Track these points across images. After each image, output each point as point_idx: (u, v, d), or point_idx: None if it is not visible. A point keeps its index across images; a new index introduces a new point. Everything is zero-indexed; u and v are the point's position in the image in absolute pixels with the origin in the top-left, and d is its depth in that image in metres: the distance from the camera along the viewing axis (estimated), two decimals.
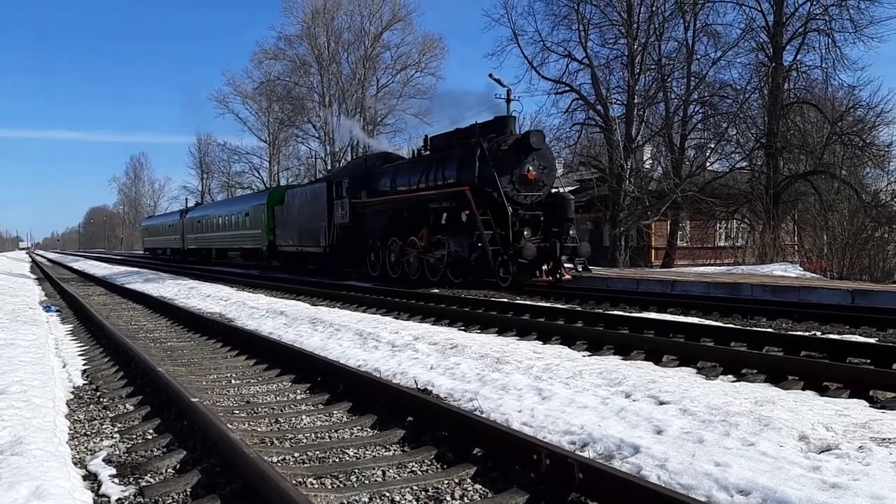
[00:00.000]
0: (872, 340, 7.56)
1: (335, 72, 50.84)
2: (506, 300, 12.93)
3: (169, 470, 3.91)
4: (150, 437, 4.58)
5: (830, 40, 25.52)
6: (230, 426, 4.41)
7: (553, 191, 16.49)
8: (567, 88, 30.42)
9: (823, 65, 25.94)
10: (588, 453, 3.86)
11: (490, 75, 27.51)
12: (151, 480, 3.75)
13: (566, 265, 15.97)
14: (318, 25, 50.34)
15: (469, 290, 15.43)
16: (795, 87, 27.12)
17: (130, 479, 3.75)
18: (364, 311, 12.00)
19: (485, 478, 3.67)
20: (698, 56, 28.37)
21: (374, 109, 50.73)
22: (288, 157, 59.22)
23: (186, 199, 62.09)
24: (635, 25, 28.00)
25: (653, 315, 10.06)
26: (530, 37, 31.00)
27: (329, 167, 48.93)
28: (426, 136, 19.20)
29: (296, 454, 4.10)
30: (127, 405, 5.45)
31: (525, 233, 15.57)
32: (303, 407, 5.34)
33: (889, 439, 3.66)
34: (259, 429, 4.72)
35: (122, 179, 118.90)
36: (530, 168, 15.76)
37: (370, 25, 50.10)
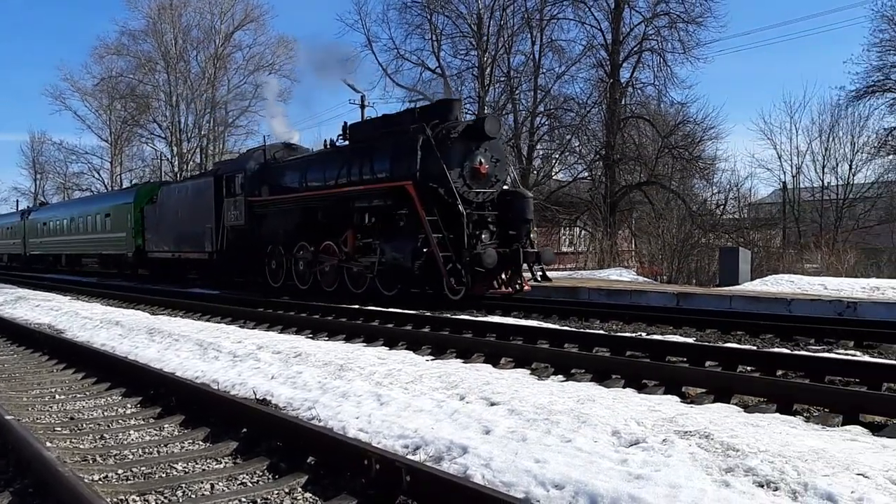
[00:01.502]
0: (691, 340, 8.20)
1: (183, 70, 48.91)
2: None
3: None
4: None
5: (662, 60, 27.48)
6: (49, 444, 4.19)
7: (505, 187, 14.27)
8: (421, 96, 30.85)
9: (656, 82, 27.93)
10: (419, 456, 3.96)
11: (344, 80, 27.47)
12: None
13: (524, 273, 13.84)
14: (164, 21, 48.26)
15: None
16: (632, 103, 28.98)
17: None
18: (208, 320, 11.66)
19: (316, 486, 3.69)
20: (544, 70, 29.69)
21: (226, 110, 49.32)
22: (131, 158, 56.27)
23: (17, 200, 57.64)
24: (485, 38, 28.85)
25: (496, 319, 10.41)
26: (384, 44, 31.51)
27: (176, 169, 47.00)
28: (344, 122, 16.73)
29: (119, 471, 3.95)
30: None
31: (483, 236, 13.40)
32: (132, 422, 5.13)
33: (690, 432, 4.00)
34: (82, 446, 4.49)
35: None
36: (482, 160, 13.43)
37: (221, 24, 48.64)
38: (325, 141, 17.59)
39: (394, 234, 13.82)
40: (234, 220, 18.56)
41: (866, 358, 6.94)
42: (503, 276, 13.36)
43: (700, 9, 26.82)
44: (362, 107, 32.34)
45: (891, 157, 31.42)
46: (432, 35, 29.95)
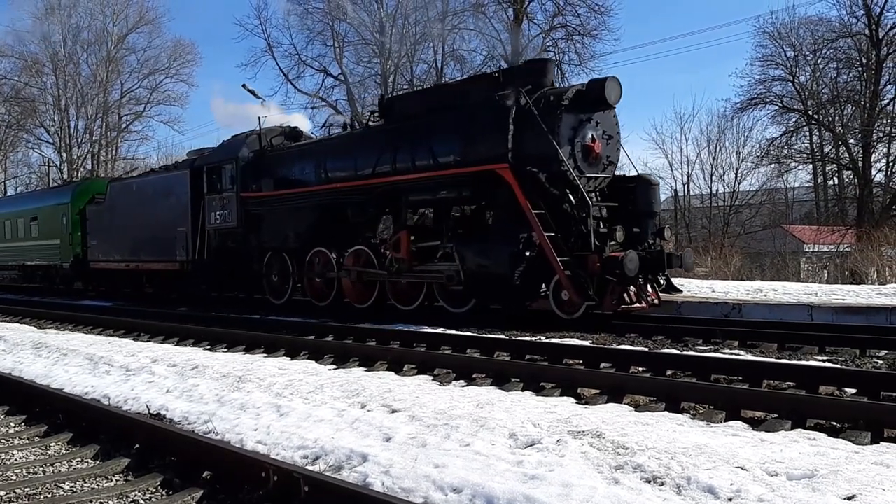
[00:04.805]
0: (587, 343, 8.46)
1: (73, 73, 46.80)
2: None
3: None
4: None
5: (559, 71, 28.24)
6: None
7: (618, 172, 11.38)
8: (323, 103, 30.68)
9: None
10: (319, 466, 3.94)
11: (244, 86, 26.89)
12: None
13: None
14: (52, 23, 46.06)
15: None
16: None
17: None
18: (99, 334, 11.23)
19: (212, 500, 3.62)
20: (447, 79, 29.94)
21: (119, 115, 47.52)
22: (16, 165, 53.37)
23: None
24: (388, 46, 28.95)
25: (400, 327, 10.42)
26: (285, 49, 30.95)
27: (66, 175, 44.88)
28: (381, 96, 13.88)
29: (1, 493, 3.75)
30: None
31: (617, 234, 10.49)
32: (15, 441, 4.89)
33: (583, 432, 4.15)
34: None
35: None
36: (594, 136, 10.68)
37: (114, 26, 46.80)
38: (345, 123, 14.94)
39: (477, 235, 11.13)
40: (222, 221, 15.10)
41: (749, 357, 7.33)
42: (634, 287, 10.52)
43: (595, 22, 27.84)
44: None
45: (773, 165, 33.36)
46: (334, 42, 29.91)
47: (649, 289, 10.74)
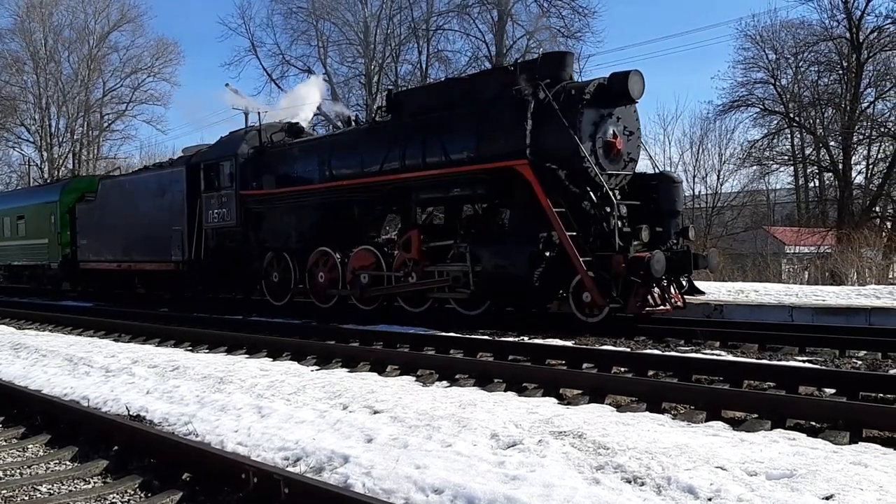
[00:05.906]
0: (569, 343, 8.47)
1: (54, 71, 46.37)
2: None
3: None
4: None
5: None
6: None
7: (637, 169, 11.02)
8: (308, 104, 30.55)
9: None
10: (300, 468, 3.92)
11: (227, 85, 26.81)
12: None
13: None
14: (33, 20, 45.59)
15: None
16: None
17: None
18: (79, 334, 11.13)
19: (191, 502, 3.60)
20: (431, 80, 29.95)
21: (101, 114, 47.16)
22: None
23: None
24: (372, 46, 28.90)
25: (382, 328, 10.41)
26: (269, 49, 30.83)
27: (46, 175, 44.45)
28: (389, 90, 13.32)
29: None
30: None
31: (643, 234, 10.07)
32: None
33: (565, 432, 4.15)
34: None
35: None
36: (615, 132, 10.41)
37: (96, 24, 46.43)
38: (350, 118, 14.52)
39: (493, 234, 10.87)
40: (220, 220, 14.60)
41: (730, 357, 7.37)
42: (659, 288, 10.05)
43: (579, 24, 27.95)
44: (246, 113, 31.70)
45: (754, 167, 33.60)
46: (318, 41, 29.82)
47: (672, 290, 10.34)
